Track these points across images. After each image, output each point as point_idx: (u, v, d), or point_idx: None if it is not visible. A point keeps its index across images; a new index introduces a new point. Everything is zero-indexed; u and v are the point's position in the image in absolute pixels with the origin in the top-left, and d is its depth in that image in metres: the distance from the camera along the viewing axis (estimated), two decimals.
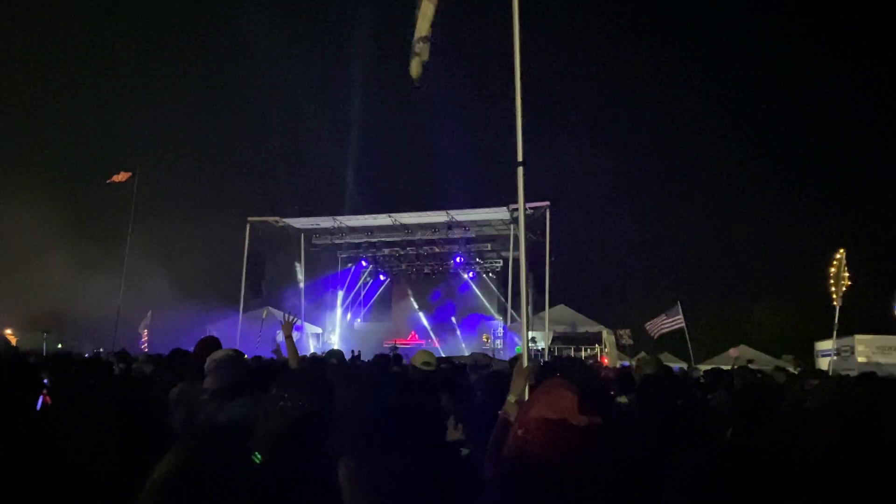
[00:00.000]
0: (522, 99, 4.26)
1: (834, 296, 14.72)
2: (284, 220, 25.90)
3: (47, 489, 2.17)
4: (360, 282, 31.99)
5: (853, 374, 10.35)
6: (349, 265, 31.00)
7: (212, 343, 5.03)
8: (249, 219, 24.19)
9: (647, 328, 22.31)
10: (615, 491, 1.75)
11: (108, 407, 2.60)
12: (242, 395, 3.59)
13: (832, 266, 14.99)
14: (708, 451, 2.79)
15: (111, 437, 2.35)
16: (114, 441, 2.33)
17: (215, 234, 28.33)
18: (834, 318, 14.79)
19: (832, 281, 14.84)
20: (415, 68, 5.16)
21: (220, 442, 2.65)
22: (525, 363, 3.56)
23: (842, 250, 15.08)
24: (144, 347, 20.21)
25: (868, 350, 24.49)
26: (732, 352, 22.17)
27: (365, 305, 31.91)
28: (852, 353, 24.46)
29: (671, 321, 21.22)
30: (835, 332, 15.78)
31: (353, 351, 18.49)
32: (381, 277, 31.66)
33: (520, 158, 4.20)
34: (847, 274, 14.80)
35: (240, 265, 23.61)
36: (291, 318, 5.66)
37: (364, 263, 30.43)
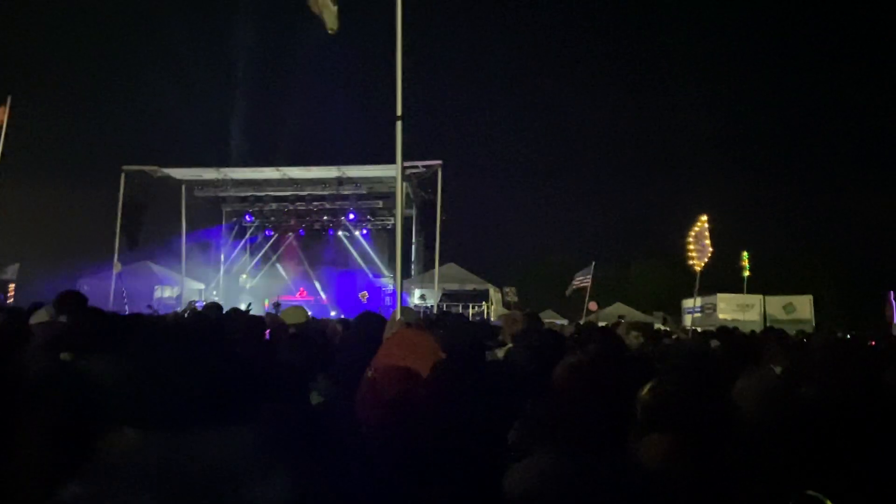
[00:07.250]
0: (405, 55, 4.25)
1: (693, 258, 15.44)
2: (164, 169, 24.49)
3: None
4: (247, 235, 30.95)
5: (713, 329, 11.19)
6: (233, 219, 29.87)
7: (71, 298, 4.77)
8: (124, 167, 22.67)
9: (570, 287, 23.34)
10: (461, 436, 1.83)
11: None
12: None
13: (693, 231, 15.66)
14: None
15: None
16: None
17: (88, 184, 26.39)
18: (695, 280, 15.58)
19: (691, 244, 15.53)
20: (329, 20, 5.10)
21: None
22: (399, 316, 3.90)
23: (704, 216, 15.79)
24: (10, 301, 19.01)
25: (729, 307, 26.80)
26: (592, 306, 23.49)
27: (251, 261, 30.98)
28: (714, 310, 26.66)
29: (582, 279, 22.37)
30: (695, 293, 16.86)
31: (250, 305, 17.89)
32: (268, 233, 30.78)
33: (398, 113, 4.22)
34: (708, 241, 15.52)
35: (114, 217, 22.17)
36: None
37: (248, 218, 29.42)
